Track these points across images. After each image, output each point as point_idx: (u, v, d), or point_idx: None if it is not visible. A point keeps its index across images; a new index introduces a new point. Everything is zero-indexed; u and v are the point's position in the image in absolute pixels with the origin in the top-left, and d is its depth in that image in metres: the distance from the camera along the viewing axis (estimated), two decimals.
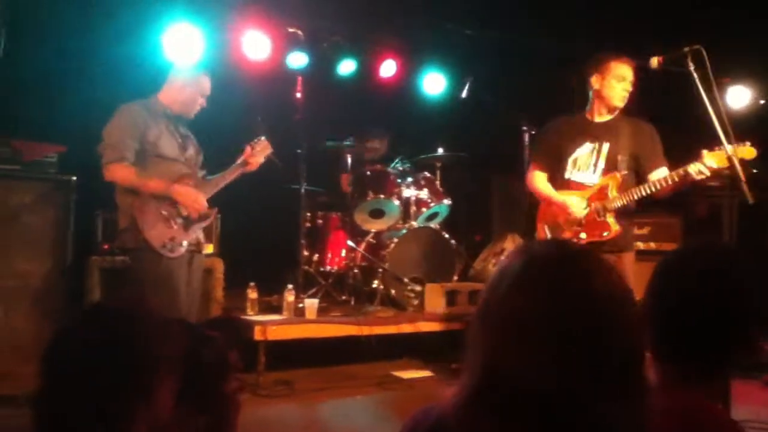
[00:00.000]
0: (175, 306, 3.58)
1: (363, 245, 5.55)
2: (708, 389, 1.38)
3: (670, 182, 3.44)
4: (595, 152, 3.77)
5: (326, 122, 6.02)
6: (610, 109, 3.76)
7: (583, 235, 3.74)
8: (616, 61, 3.65)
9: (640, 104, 3.71)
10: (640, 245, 5.47)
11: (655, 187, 3.51)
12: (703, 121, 3.03)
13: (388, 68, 6.57)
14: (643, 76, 3.49)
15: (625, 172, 3.71)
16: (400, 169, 5.76)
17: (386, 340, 5.07)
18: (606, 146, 3.75)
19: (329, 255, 5.65)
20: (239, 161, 4.01)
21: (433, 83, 6.69)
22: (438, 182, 5.86)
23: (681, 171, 3.37)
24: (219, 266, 4.89)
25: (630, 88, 3.66)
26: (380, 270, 5.34)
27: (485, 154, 6.47)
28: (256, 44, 5.91)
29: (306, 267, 5.48)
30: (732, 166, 2.87)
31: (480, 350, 0.98)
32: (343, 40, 6.29)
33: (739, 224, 3.14)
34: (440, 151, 5.98)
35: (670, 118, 4.35)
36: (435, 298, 5.21)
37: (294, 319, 4.77)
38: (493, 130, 6.18)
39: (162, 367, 1.15)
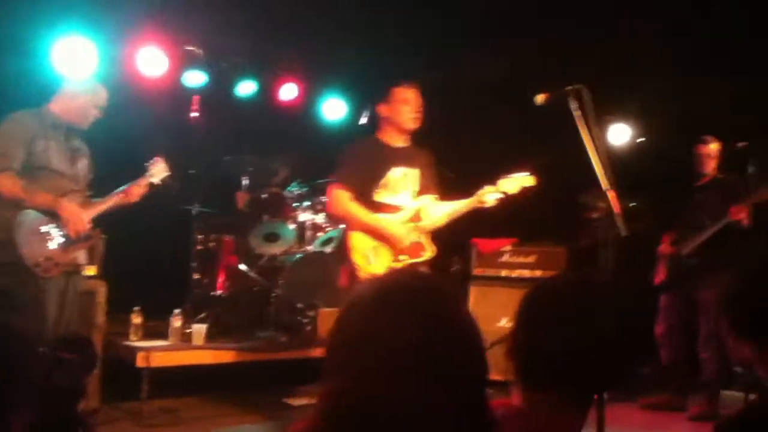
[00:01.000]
0: (43, 329, 3.40)
1: (256, 269, 5.46)
2: (574, 416, 1.42)
3: (467, 207, 3.90)
4: (404, 176, 3.94)
5: (224, 143, 5.92)
6: (402, 133, 3.94)
7: (403, 257, 3.84)
8: (399, 87, 3.90)
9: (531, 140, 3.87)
10: (527, 273, 5.69)
11: (459, 214, 3.91)
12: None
13: (289, 91, 6.55)
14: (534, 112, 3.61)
15: (435, 195, 4.01)
16: (297, 192, 5.72)
17: (279, 366, 4.99)
18: (416, 171, 3.97)
19: (221, 279, 5.51)
20: (118, 191, 3.87)
21: (334, 108, 6.73)
22: None
23: (477, 198, 3.87)
24: (101, 289, 4.65)
25: (418, 111, 3.90)
26: (274, 295, 5.26)
27: None
28: (152, 60, 5.75)
29: (196, 291, 5.33)
30: (608, 201, 3.01)
31: (338, 377, 0.98)
32: (243, 60, 6.24)
33: (617, 255, 3.29)
34: None
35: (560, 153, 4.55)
36: (329, 324, 5.16)
37: (180, 345, 4.62)
38: None
39: (20, 396, 1.08)
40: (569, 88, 3.06)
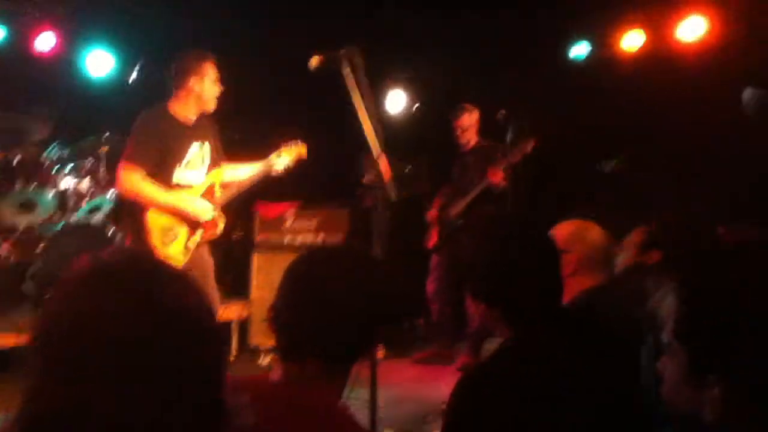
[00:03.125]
0: None
1: (10, 242, 4.90)
2: (330, 384, 1.43)
3: (258, 174, 3.92)
4: (201, 152, 3.83)
5: None
6: (201, 110, 3.80)
7: (199, 232, 3.79)
8: (212, 62, 3.77)
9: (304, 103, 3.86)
10: (310, 237, 5.72)
11: (252, 181, 3.93)
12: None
13: (45, 41, 5.84)
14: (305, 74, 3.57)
15: (224, 166, 3.97)
16: (57, 155, 5.19)
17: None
18: (207, 145, 3.85)
19: None
20: None
21: (100, 63, 6.12)
22: (103, 171, 5.39)
23: (265, 163, 3.91)
24: None
25: (221, 88, 3.81)
26: (31, 270, 4.77)
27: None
28: None
29: None
30: (379, 167, 3.06)
31: (28, 378, 0.84)
32: None
33: (392, 218, 3.39)
34: (106, 135, 5.48)
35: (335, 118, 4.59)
36: None
37: None
38: None
39: None
40: (342, 51, 3.05)
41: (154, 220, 3.63)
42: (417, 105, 6.48)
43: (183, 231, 3.72)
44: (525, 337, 1.59)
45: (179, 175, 3.73)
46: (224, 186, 3.94)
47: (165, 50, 5.89)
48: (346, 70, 3.04)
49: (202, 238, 3.80)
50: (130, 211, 3.68)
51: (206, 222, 3.78)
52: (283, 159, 3.93)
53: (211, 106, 3.79)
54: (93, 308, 0.85)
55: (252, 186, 4.00)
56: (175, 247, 3.68)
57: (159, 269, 0.92)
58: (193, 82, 3.70)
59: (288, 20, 5.71)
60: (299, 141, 4.02)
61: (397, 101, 6.43)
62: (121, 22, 5.99)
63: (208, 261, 3.87)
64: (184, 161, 3.74)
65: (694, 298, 1.03)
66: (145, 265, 0.92)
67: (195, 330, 0.89)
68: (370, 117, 3.03)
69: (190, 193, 3.77)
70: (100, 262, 0.90)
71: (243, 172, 3.97)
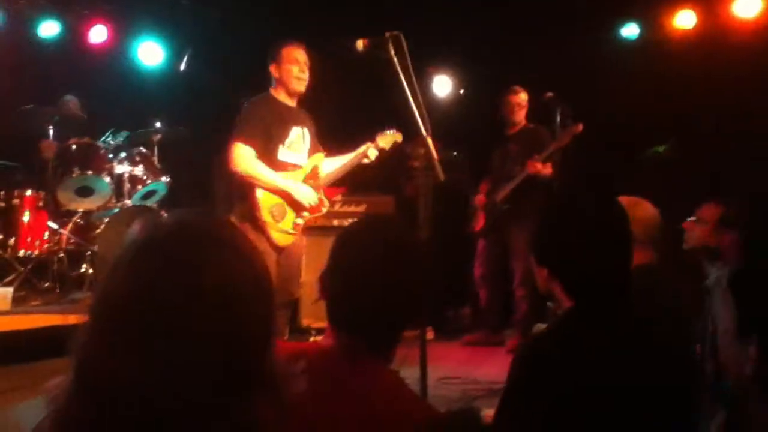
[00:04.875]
0: None
1: (68, 226, 5.06)
2: (383, 355, 1.44)
3: (351, 163, 4.09)
4: (302, 136, 3.98)
5: (24, 89, 5.37)
6: (290, 94, 3.92)
7: (306, 214, 3.93)
8: (288, 47, 3.86)
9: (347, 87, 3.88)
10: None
11: (345, 169, 4.10)
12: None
13: (98, 33, 6.01)
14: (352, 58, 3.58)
15: (323, 153, 4.10)
16: (112, 143, 5.34)
17: None
18: (307, 131, 4.01)
19: (28, 238, 5.04)
20: None
21: (150, 53, 6.27)
22: (155, 158, 5.54)
23: (358, 154, 4.06)
24: None
25: (305, 71, 3.88)
26: (89, 253, 4.93)
27: (207, 130, 6.28)
28: None
29: None
30: (426, 147, 3.06)
31: (78, 347, 0.86)
32: None
33: (438, 203, 3.39)
34: (157, 125, 5.65)
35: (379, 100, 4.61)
36: None
37: None
38: (214, 105, 6.01)
39: None
40: (387, 34, 3.05)
41: (266, 198, 3.77)
42: (462, 90, 6.43)
43: (290, 209, 3.86)
44: (583, 310, 1.58)
45: (283, 154, 3.87)
46: (325, 171, 4.07)
47: (213, 40, 6.04)
48: (391, 54, 3.05)
49: (307, 218, 3.95)
50: (239, 188, 3.81)
51: (311, 204, 3.93)
52: (375, 149, 4.07)
53: (294, 89, 3.87)
54: (133, 276, 0.85)
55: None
56: (285, 224, 3.83)
57: (206, 237, 0.91)
58: (274, 70, 3.86)
59: (334, 6, 5.73)
60: (394, 129, 4.10)
61: (443, 86, 6.40)
62: (171, 14, 6.12)
63: (303, 242, 4.15)
64: (287, 142, 3.88)
65: (752, 256, 1.02)
66: (192, 232, 0.91)
67: (238, 299, 0.87)
68: (416, 99, 3.04)
69: (296, 174, 3.92)
70: (148, 232, 0.90)
71: (336, 163, 4.10)
